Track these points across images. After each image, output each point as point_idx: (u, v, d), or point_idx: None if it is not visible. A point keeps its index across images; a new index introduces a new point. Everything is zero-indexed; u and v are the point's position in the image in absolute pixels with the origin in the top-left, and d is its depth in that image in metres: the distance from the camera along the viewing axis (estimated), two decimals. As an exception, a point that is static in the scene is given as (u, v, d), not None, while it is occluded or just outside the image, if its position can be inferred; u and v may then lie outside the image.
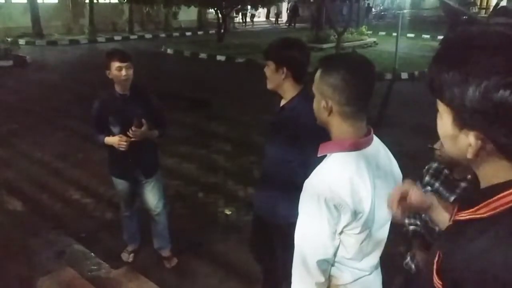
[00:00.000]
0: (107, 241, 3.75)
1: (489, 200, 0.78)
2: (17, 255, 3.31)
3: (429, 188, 2.13)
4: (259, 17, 31.97)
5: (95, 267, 3.22)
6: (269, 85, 2.19)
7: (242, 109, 8.07)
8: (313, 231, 1.33)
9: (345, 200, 1.29)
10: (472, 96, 0.72)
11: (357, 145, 1.37)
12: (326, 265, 1.38)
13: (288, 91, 2.16)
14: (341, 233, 1.35)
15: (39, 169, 5.42)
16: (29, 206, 4.29)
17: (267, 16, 31.23)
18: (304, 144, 2.03)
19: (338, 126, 1.38)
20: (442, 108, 0.82)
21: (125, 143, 2.85)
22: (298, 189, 1.70)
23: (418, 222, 2.21)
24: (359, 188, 1.31)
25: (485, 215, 0.78)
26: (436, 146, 1.99)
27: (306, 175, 1.81)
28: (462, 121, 0.78)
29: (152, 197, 3.21)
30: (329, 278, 1.44)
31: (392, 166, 1.52)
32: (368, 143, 1.41)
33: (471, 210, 0.81)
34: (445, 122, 0.82)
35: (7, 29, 17.82)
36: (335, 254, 1.40)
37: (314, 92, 1.42)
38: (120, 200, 3.39)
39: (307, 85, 2.10)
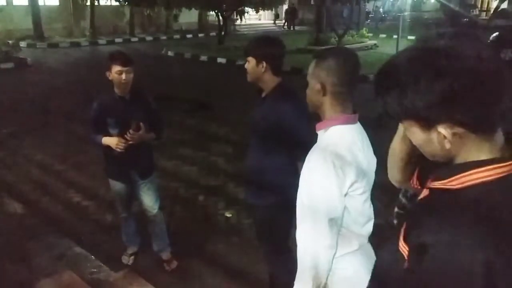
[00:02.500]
0: (107, 244, 3.74)
1: (461, 175, 0.87)
2: (17, 258, 3.31)
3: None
4: (259, 19, 31.92)
5: (95, 270, 3.21)
6: (249, 78, 2.41)
7: (243, 111, 8.04)
8: (323, 192, 1.46)
9: (348, 161, 1.47)
10: (418, 98, 0.84)
11: (349, 120, 1.60)
12: (335, 227, 1.49)
13: (268, 83, 2.38)
14: (346, 195, 1.48)
15: (40, 172, 5.42)
16: (29, 209, 4.28)
17: (275, 19, 30.37)
18: (285, 131, 2.27)
19: (331, 105, 1.59)
20: (406, 124, 0.93)
21: (123, 145, 2.86)
22: (279, 174, 2.37)
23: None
24: (357, 152, 1.53)
25: (455, 187, 0.88)
26: None
27: (285, 160, 2.34)
28: (427, 122, 0.88)
29: (148, 198, 3.22)
30: (337, 247, 1.53)
31: (370, 145, 1.71)
32: (356, 119, 1.64)
33: (444, 181, 0.91)
34: (415, 133, 0.92)
35: (8, 31, 17.86)
36: (341, 220, 1.52)
37: (309, 80, 1.62)
38: (117, 202, 3.39)
39: (284, 78, 2.41)
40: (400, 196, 2.33)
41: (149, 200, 3.21)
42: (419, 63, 0.84)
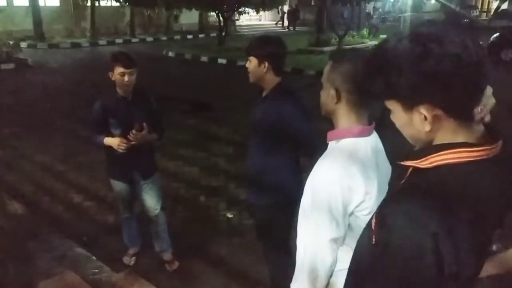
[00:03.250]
0: (109, 244, 3.74)
1: (431, 155, 0.91)
2: (19, 258, 3.31)
3: None
4: (260, 20, 31.94)
5: (97, 271, 3.20)
6: (252, 79, 2.42)
7: (243, 112, 8.06)
8: (327, 210, 1.36)
9: (357, 180, 1.35)
10: (403, 78, 0.87)
11: (364, 132, 1.46)
12: (335, 246, 1.42)
13: (269, 82, 2.39)
14: (351, 214, 1.39)
15: (41, 172, 5.42)
16: (30, 209, 4.28)
17: (283, 21, 29.32)
18: (285, 130, 2.28)
19: (345, 114, 1.47)
20: (390, 104, 0.96)
21: (124, 145, 2.86)
22: (280, 172, 2.41)
23: None
24: (368, 170, 1.39)
25: (423, 166, 0.93)
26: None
27: (285, 159, 2.40)
28: (409, 103, 0.91)
29: (150, 198, 3.22)
30: (336, 262, 1.46)
31: (384, 155, 1.61)
32: (372, 131, 1.51)
33: (416, 160, 0.95)
34: (397, 113, 0.96)
35: (9, 32, 17.85)
36: (344, 237, 1.43)
37: (323, 83, 1.50)
38: (118, 202, 3.39)
39: (285, 79, 2.43)
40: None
41: (151, 201, 3.22)
42: (407, 45, 0.87)
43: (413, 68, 0.86)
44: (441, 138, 0.93)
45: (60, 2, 21.56)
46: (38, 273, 3.11)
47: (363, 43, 18.01)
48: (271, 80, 2.38)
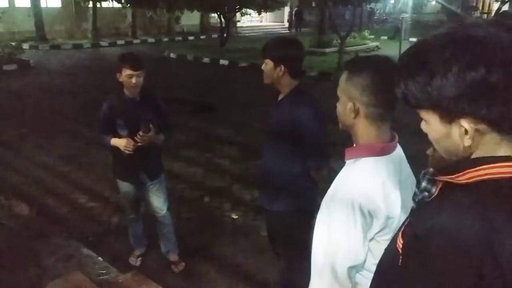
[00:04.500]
0: (114, 245, 3.74)
1: (470, 170, 0.82)
2: (26, 259, 3.31)
3: (426, 193, 2.10)
4: (261, 21, 31.94)
5: (103, 271, 3.21)
6: (266, 80, 2.34)
7: (246, 113, 8.08)
8: (345, 238, 1.26)
9: (379, 205, 1.24)
10: (446, 86, 0.78)
11: (386, 150, 1.33)
12: (354, 272, 1.33)
13: (285, 85, 2.32)
14: (371, 239, 1.29)
15: (45, 173, 5.43)
16: (36, 210, 4.29)
17: (291, 22, 28.66)
18: (302, 135, 2.24)
19: (364, 129, 1.33)
20: (425, 114, 0.87)
21: (131, 147, 2.86)
22: (295, 178, 2.35)
23: None
24: (390, 193, 1.27)
25: (461, 182, 0.82)
26: (429, 152, 1.97)
27: (301, 164, 2.33)
28: (449, 114, 0.82)
29: (157, 199, 3.22)
30: (355, 286, 1.38)
31: (410, 169, 1.50)
32: (395, 148, 1.38)
33: (451, 176, 0.84)
34: (433, 125, 0.86)
35: (11, 33, 17.93)
36: (364, 261, 1.34)
37: (339, 95, 1.37)
38: (125, 203, 3.39)
39: (302, 81, 2.38)
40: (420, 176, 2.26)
41: (158, 201, 3.22)
42: (453, 49, 0.77)
43: (457, 75, 0.76)
44: (481, 152, 0.83)
45: (62, 3, 21.59)
46: (45, 274, 3.12)
47: (364, 44, 18.03)
48: (288, 83, 2.31)
